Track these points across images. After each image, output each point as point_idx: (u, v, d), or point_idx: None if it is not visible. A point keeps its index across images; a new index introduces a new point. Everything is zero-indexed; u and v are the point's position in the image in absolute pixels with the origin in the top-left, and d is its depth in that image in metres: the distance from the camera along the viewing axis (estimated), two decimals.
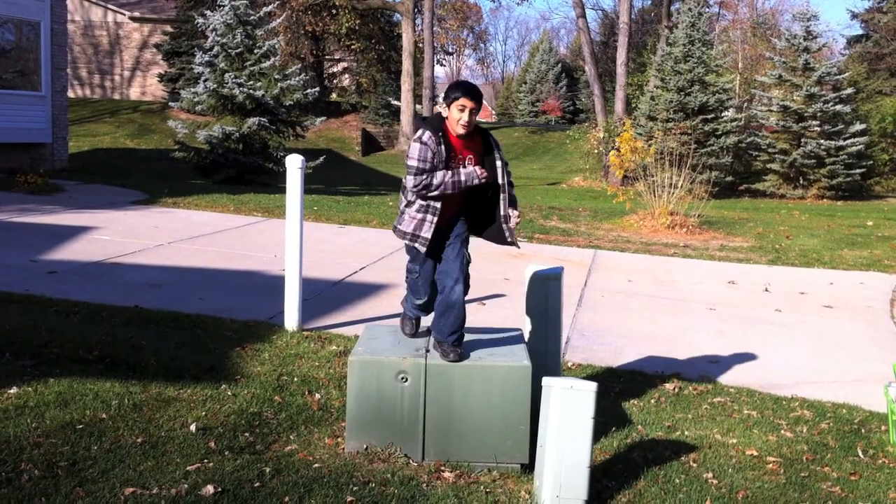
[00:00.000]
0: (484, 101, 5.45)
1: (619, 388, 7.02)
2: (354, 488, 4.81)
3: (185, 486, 4.71)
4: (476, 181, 5.19)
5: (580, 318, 9.37)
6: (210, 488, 4.69)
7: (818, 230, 17.73)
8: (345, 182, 25.98)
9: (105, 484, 4.67)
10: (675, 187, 17.29)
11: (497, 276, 11.15)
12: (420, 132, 5.12)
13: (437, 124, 5.15)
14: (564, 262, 9.08)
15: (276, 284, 8.78)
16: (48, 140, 21.57)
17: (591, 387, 4.82)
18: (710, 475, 5.37)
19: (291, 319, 8.13)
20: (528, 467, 5.21)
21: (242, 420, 5.70)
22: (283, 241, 8.30)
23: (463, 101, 5.03)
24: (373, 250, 12.47)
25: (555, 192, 28.15)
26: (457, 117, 5.07)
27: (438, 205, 5.23)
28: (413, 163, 5.09)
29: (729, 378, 7.49)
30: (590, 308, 9.92)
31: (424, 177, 5.10)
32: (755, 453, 5.78)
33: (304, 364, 7.04)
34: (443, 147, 5.08)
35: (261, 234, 13.43)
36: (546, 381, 4.93)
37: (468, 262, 5.42)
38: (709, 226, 17.27)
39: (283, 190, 8.27)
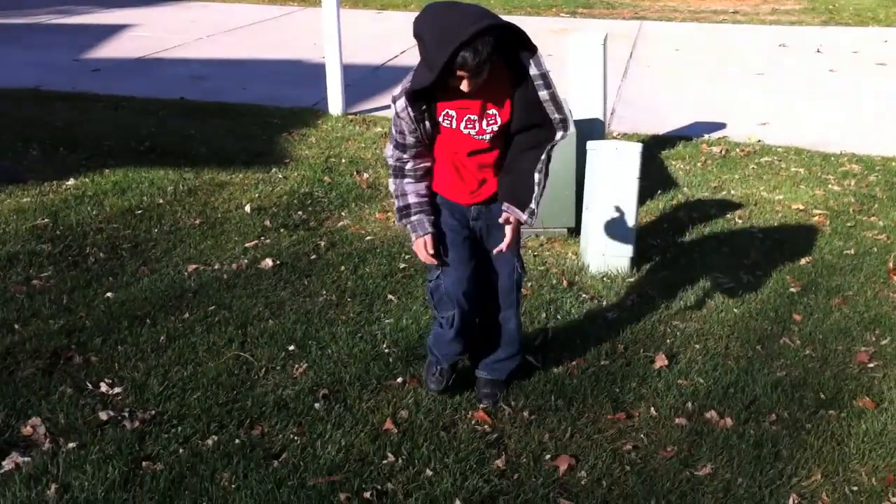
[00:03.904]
0: None
1: (665, 153, 7.02)
2: (407, 256, 4.96)
3: (245, 261, 4.90)
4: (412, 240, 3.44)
5: (625, 90, 9.25)
6: (269, 262, 4.88)
7: None
8: None
9: (168, 262, 4.87)
10: None
11: (541, 52, 10.95)
12: (396, 94, 3.15)
13: (419, 85, 3.01)
14: (609, 37, 8.82)
15: (317, 72, 8.74)
16: None
17: (637, 147, 4.83)
18: (756, 229, 5.44)
19: (335, 104, 8.15)
20: (575, 231, 5.31)
21: (294, 200, 5.84)
22: (321, 28, 8.19)
23: (459, 72, 2.91)
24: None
25: None
26: (457, 85, 3.00)
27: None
28: (392, 130, 3.29)
29: (777, 139, 7.42)
30: (635, 79, 9.76)
31: (397, 154, 3.31)
32: (801, 207, 5.81)
33: (351, 146, 7.11)
34: (427, 124, 3.17)
35: (298, 24, 13.25)
36: (591, 144, 4.94)
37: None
38: None
39: None
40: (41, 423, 3.41)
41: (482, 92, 3.07)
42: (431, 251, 3.38)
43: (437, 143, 3.28)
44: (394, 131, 3.25)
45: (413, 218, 3.37)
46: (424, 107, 3.11)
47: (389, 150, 3.33)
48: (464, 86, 2.96)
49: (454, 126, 3.17)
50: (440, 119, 3.16)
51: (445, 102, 3.12)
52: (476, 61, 2.85)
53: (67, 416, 3.46)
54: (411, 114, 3.11)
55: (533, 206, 3.28)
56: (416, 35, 2.91)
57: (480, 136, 3.18)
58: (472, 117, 3.16)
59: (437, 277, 3.48)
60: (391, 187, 3.41)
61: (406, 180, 3.34)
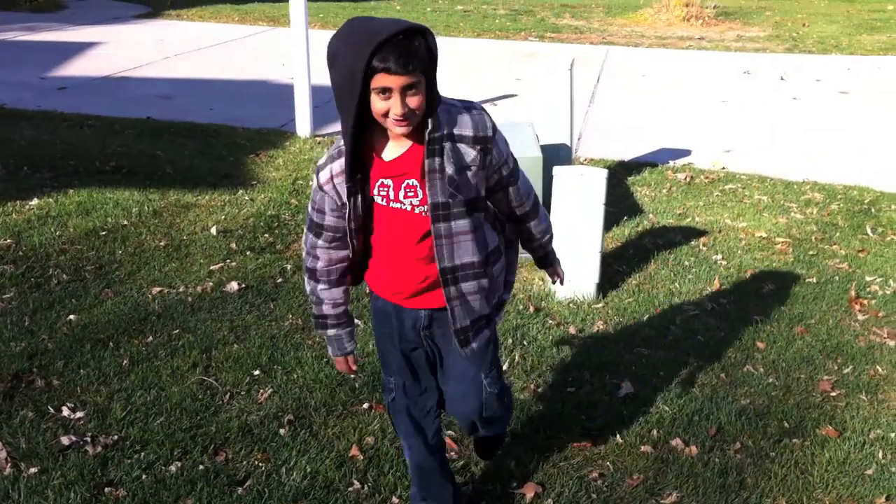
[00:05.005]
0: None
1: (630, 179, 7.07)
2: None
3: (211, 283, 4.87)
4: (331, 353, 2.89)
5: (592, 115, 9.33)
6: (235, 285, 4.85)
7: (837, 16, 17.27)
8: None
9: (132, 284, 4.83)
10: None
11: (508, 76, 11.03)
12: (322, 162, 2.57)
13: (349, 144, 2.41)
14: (577, 61, 8.92)
15: (285, 93, 8.73)
16: None
17: (602, 173, 4.87)
18: (720, 257, 5.49)
19: (303, 126, 8.15)
20: None
21: (261, 222, 5.82)
22: (290, 49, 8.20)
23: (381, 78, 2.27)
24: None
25: None
26: (380, 109, 2.33)
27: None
28: (309, 209, 2.67)
29: (741, 166, 7.51)
30: (602, 105, 9.85)
31: (311, 242, 2.68)
32: (764, 235, 5.88)
33: None
34: (359, 198, 2.51)
35: (267, 44, 13.25)
36: (557, 170, 4.97)
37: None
38: (725, 16, 16.85)
39: None
40: (2, 447, 3.37)
41: (419, 149, 2.44)
42: (354, 368, 2.89)
43: (376, 230, 2.60)
44: (311, 210, 2.62)
45: (330, 332, 2.80)
46: (359, 175, 2.47)
47: (305, 238, 2.71)
48: (395, 106, 2.29)
49: (392, 199, 2.50)
50: (374, 193, 2.51)
51: (380, 170, 2.48)
52: (401, 58, 2.23)
53: (29, 441, 3.41)
54: (341, 188, 2.49)
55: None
56: (332, 54, 2.32)
57: (422, 209, 2.51)
58: (412, 183, 2.48)
59: (393, 398, 2.92)
60: (305, 287, 2.80)
61: (320, 286, 2.72)
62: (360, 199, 2.50)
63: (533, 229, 2.84)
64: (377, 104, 2.31)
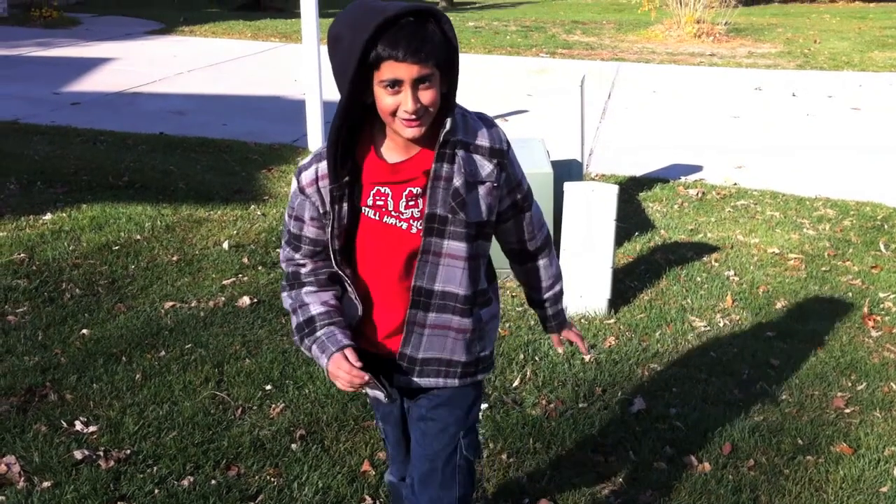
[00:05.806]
0: None
1: (642, 195, 7.07)
2: None
3: (223, 298, 4.88)
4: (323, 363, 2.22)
5: (603, 131, 9.34)
6: (247, 299, 4.86)
7: (848, 33, 17.28)
8: None
9: (145, 299, 4.85)
10: None
11: (519, 92, 11.05)
12: (305, 162, 2.21)
13: (334, 146, 2.07)
14: (588, 78, 8.89)
15: (297, 109, 8.77)
16: None
17: (613, 189, 4.87)
18: (732, 273, 5.48)
19: (315, 141, 8.16)
20: None
21: (273, 237, 5.83)
22: (302, 65, 8.24)
23: (389, 67, 1.96)
24: None
25: (578, 6, 27.40)
26: (388, 106, 2.00)
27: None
28: (285, 218, 2.31)
29: (753, 182, 7.50)
30: (613, 120, 9.86)
31: (287, 254, 2.31)
32: (777, 251, 5.87)
33: None
34: (345, 207, 2.14)
35: (279, 60, 13.32)
36: (568, 185, 4.97)
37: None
38: (736, 33, 16.87)
39: (298, 15, 8.14)
40: (16, 461, 3.37)
41: (428, 154, 2.12)
42: (358, 363, 2.15)
43: (358, 249, 2.23)
44: (287, 219, 2.26)
45: (320, 333, 2.22)
46: (347, 178, 2.11)
47: (282, 252, 2.34)
48: (405, 102, 1.97)
49: (387, 212, 2.15)
50: (366, 205, 2.16)
51: (380, 173, 2.14)
52: (412, 43, 1.92)
53: (42, 455, 3.42)
54: (325, 189, 2.13)
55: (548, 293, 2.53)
56: (333, 38, 2.00)
57: (419, 224, 2.16)
58: (415, 191, 2.14)
59: (383, 428, 2.64)
60: (285, 303, 2.32)
61: (305, 289, 2.27)
62: (345, 207, 2.14)
63: (542, 271, 2.48)
64: (384, 100, 1.99)
